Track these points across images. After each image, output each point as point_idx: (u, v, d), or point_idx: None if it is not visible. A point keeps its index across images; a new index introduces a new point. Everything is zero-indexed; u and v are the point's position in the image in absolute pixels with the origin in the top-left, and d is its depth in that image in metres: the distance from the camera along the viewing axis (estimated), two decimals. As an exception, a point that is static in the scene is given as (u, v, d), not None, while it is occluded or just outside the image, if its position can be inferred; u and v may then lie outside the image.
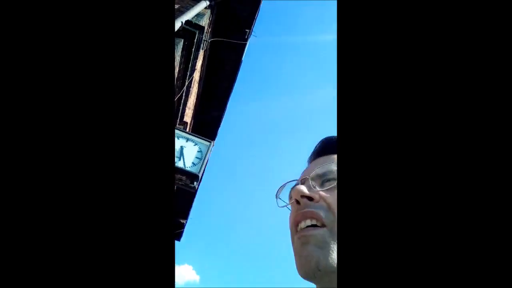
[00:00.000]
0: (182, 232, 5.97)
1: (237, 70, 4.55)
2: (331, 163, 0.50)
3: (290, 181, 0.53)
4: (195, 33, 2.99)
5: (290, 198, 0.51)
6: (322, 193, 0.45)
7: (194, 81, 3.82)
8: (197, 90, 4.36)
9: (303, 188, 0.45)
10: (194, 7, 3.24)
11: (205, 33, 3.33)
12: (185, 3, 3.36)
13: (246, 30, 4.20)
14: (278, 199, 0.54)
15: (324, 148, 0.55)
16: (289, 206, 0.52)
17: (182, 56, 3.10)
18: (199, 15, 3.35)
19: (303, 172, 0.54)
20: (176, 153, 2.91)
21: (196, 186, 2.90)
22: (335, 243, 0.41)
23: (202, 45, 3.52)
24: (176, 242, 6.35)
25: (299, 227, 0.45)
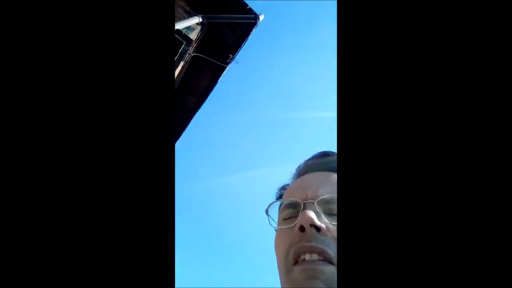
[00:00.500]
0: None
1: (210, 90, 4.61)
2: (336, 188, 0.47)
3: (281, 200, 0.50)
4: (182, 43, 3.05)
5: (286, 218, 0.48)
6: (330, 225, 0.43)
7: (167, 88, 3.81)
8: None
9: (314, 217, 0.42)
10: (187, 19, 3.33)
11: (190, 46, 3.40)
12: (179, 13, 3.44)
13: (230, 55, 4.34)
14: (269, 218, 0.50)
15: (322, 163, 0.53)
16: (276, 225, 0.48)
17: (163, 61, 3.11)
18: (189, 28, 3.44)
19: (297, 185, 0.50)
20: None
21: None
22: None
23: (184, 57, 3.57)
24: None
25: (302, 258, 0.42)
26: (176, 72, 3.78)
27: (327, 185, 0.47)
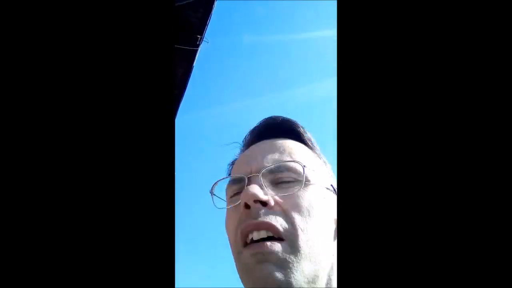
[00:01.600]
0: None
1: (188, 77, 4.45)
2: (283, 154, 0.44)
3: (227, 177, 0.47)
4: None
5: (232, 196, 0.45)
6: (277, 197, 0.40)
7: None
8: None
9: (258, 192, 0.39)
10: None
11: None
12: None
13: (198, 36, 4.14)
14: (214, 197, 0.47)
15: (268, 130, 0.49)
16: (228, 205, 0.45)
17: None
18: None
19: (243, 159, 0.47)
20: None
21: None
22: (297, 259, 0.36)
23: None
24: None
25: (250, 238, 0.39)
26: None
27: (272, 153, 0.44)
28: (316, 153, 0.49)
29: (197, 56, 4.28)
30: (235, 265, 0.42)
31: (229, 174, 0.53)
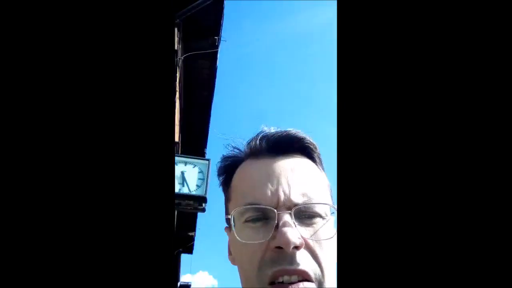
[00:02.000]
0: (192, 244, 6.08)
1: (214, 77, 4.58)
2: (309, 188, 0.44)
3: (251, 206, 0.43)
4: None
5: (249, 220, 0.43)
6: (306, 239, 0.41)
7: (176, 97, 3.85)
8: (178, 106, 4.39)
9: (295, 239, 0.39)
10: (162, 29, 3.23)
11: (177, 53, 3.34)
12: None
13: (215, 37, 4.22)
14: (233, 223, 0.45)
15: (283, 144, 0.48)
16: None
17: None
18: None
19: (262, 180, 0.45)
20: (178, 179, 2.97)
21: (205, 207, 2.99)
22: None
23: (176, 64, 3.54)
24: (189, 255, 6.47)
25: (280, 279, 0.40)
26: (177, 84, 3.78)
27: (298, 186, 0.44)
28: (322, 169, 0.51)
29: (218, 56, 4.38)
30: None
31: (225, 172, 0.52)
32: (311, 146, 0.50)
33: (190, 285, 8.91)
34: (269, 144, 0.49)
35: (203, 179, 3.04)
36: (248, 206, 0.43)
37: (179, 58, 3.78)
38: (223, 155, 0.53)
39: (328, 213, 0.45)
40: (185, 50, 4.03)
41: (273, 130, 0.50)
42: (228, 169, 0.52)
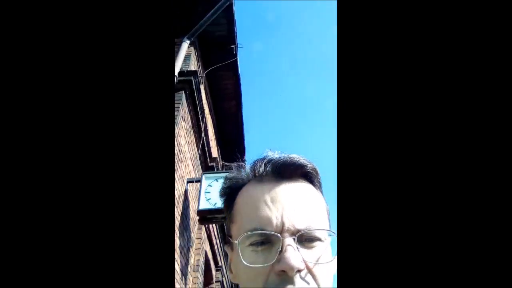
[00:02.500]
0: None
1: (239, 85, 4.61)
2: (311, 214, 0.47)
3: (257, 231, 0.45)
4: (191, 80, 3.09)
5: (254, 244, 0.46)
6: (307, 263, 0.44)
7: (206, 114, 3.95)
8: (211, 121, 4.48)
9: (298, 264, 0.42)
10: (179, 52, 3.33)
11: (198, 75, 3.42)
12: (169, 52, 3.45)
13: (232, 46, 4.25)
14: (238, 247, 0.46)
15: (286, 170, 0.50)
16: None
17: (188, 105, 3.22)
18: (186, 58, 3.45)
19: (267, 204, 0.47)
20: (212, 195, 3.03)
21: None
22: None
23: (200, 85, 3.62)
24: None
25: None
26: (204, 98, 3.87)
27: (301, 213, 0.47)
28: (321, 193, 0.54)
29: (238, 63, 4.41)
30: None
31: (228, 194, 0.54)
32: (313, 172, 0.52)
33: None
34: (274, 169, 0.50)
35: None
36: (254, 232, 0.46)
37: (201, 76, 3.87)
38: (226, 176, 0.55)
39: (327, 236, 0.48)
40: (205, 65, 4.11)
41: (276, 155, 0.52)
42: (231, 190, 0.53)
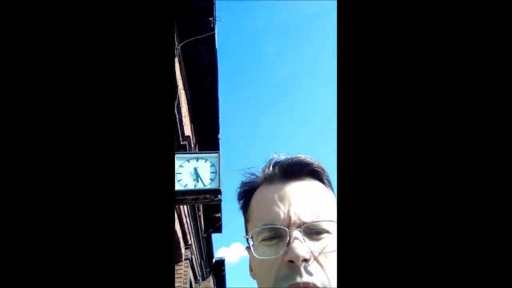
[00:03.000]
0: (220, 224, 6.26)
1: (216, 60, 4.45)
2: (318, 208, 0.49)
3: (267, 226, 0.49)
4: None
5: (265, 239, 0.49)
6: (314, 253, 0.46)
7: (180, 89, 3.78)
8: (185, 96, 4.32)
9: (304, 253, 0.45)
10: (152, 23, 3.11)
11: (175, 42, 3.23)
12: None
13: (210, 18, 4.04)
14: (252, 243, 0.50)
15: (295, 169, 0.53)
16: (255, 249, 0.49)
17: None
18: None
19: (276, 202, 0.50)
20: (192, 176, 3.00)
21: (221, 198, 3.02)
22: None
23: (175, 56, 3.44)
24: (219, 233, 6.67)
25: None
26: (177, 71, 3.69)
27: (309, 206, 0.49)
28: (331, 189, 0.56)
29: (216, 37, 4.21)
30: None
31: (244, 197, 0.57)
32: (319, 170, 0.55)
33: (224, 260, 9.61)
34: (281, 170, 0.54)
35: (216, 172, 3.05)
36: (264, 227, 0.49)
37: (177, 48, 3.67)
38: (241, 181, 0.59)
39: (335, 228, 0.49)
40: (181, 37, 3.90)
41: (283, 156, 0.56)
42: (246, 194, 0.57)
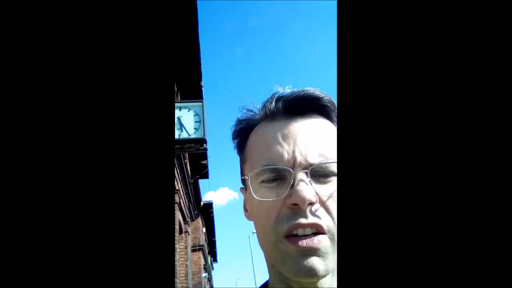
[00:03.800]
0: (207, 170, 6.41)
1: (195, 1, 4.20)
2: (324, 148, 0.45)
3: (268, 166, 0.45)
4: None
5: (266, 181, 0.45)
6: (320, 195, 0.43)
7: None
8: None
9: (310, 196, 0.41)
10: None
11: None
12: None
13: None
14: (250, 184, 0.46)
15: (300, 104, 0.48)
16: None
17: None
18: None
19: (279, 141, 0.46)
20: (176, 125, 3.00)
21: (206, 147, 3.07)
22: (334, 248, 0.42)
23: None
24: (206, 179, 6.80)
25: (294, 233, 0.42)
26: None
27: (315, 146, 0.45)
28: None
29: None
30: (261, 243, 0.47)
31: (240, 135, 0.53)
32: (329, 105, 0.50)
33: (211, 203, 9.98)
34: (285, 105, 0.48)
35: (200, 122, 3.06)
36: (265, 168, 0.45)
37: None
38: (237, 118, 0.53)
39: None
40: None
41: (288, 90, 0.50)
42: (243, 132, 0.52)
